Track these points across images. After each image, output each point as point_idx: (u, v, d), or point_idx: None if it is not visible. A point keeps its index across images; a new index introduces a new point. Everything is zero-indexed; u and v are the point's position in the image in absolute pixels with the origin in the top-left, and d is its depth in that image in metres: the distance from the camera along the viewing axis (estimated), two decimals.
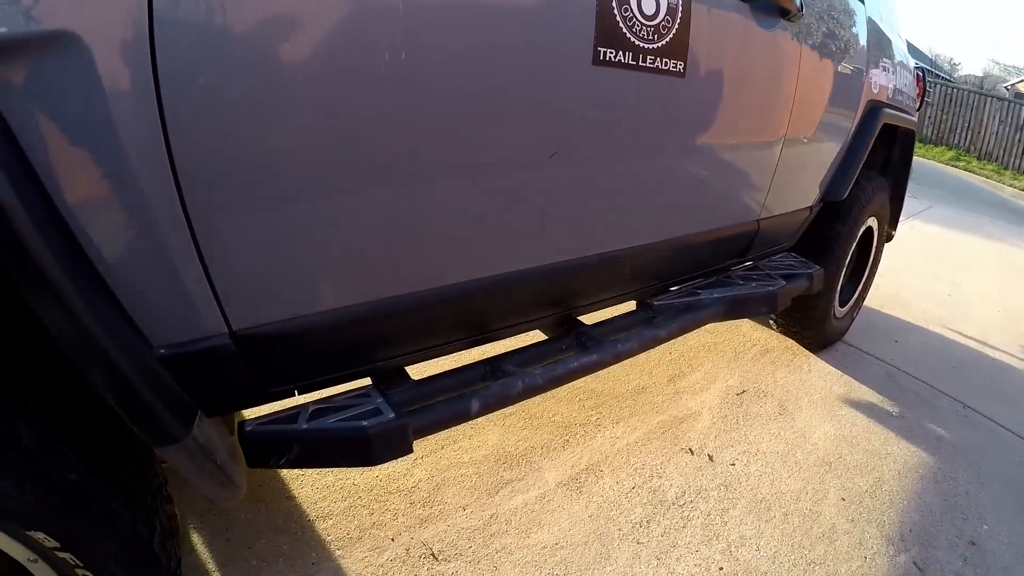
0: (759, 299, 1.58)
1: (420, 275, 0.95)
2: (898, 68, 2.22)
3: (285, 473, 1.58)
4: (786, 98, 1.53)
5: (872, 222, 2.43)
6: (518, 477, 1.66)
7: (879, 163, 2.57)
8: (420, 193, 0.87)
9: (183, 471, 0.74)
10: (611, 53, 0.98)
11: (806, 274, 1.77)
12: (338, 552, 1.34)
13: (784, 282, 1.66)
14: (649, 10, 1.00)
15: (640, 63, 1.03)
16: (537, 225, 1.07)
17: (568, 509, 1.56)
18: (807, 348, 2.52)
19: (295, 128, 0.73)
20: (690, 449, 1.91)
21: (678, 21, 1.07)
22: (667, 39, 1.05)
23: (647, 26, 1.01)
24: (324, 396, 1.01)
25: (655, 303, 1.53)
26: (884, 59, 2.07)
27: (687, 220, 1.45)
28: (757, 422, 2.05)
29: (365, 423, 0.87)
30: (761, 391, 2.23)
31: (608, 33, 0.96)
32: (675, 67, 1.09)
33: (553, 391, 1.71)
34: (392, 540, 1.38)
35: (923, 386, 2.44)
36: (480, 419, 1.76)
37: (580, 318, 1.42)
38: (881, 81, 2.05)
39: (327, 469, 1.57)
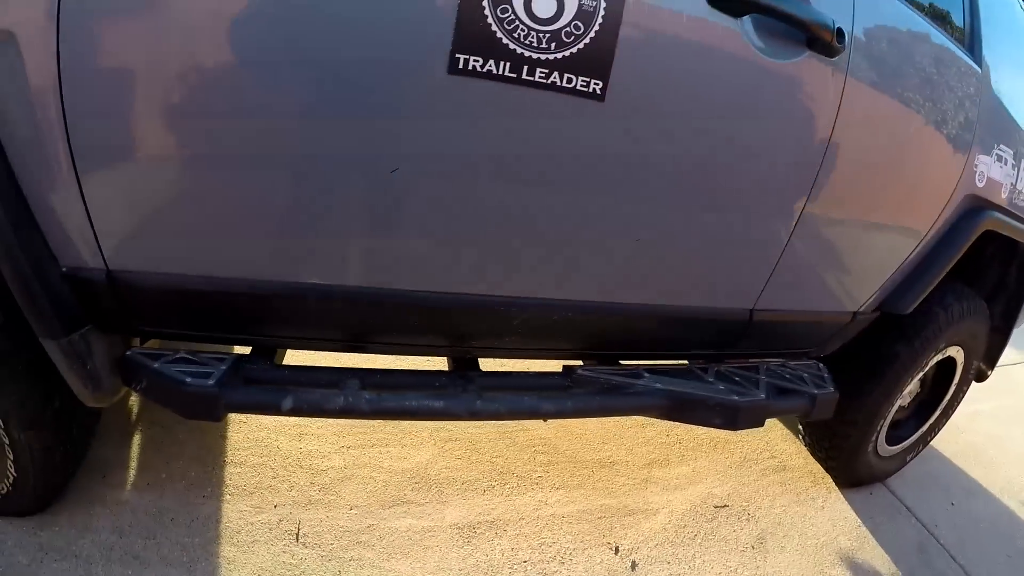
0: (712, 407, 1.24)
1: (289, 266, 0.96)
2: None
3: (235, 416, 1.70)
4: (807, 159, 1.17)
5: (956, 352, 1.90)
6: (420, 502, 1.59)
7: (989, 284, 2.02)
8: (275, 188, 0.89)
9: (58, 365, 0.92)
10: (476, 61, 0.81)
11: (807, 395, 1.40)
12: (227, 497, 1.44)
13: (763, 396, 1.32)
14: (544, 11, 0.80)
15: (525, 76, 0.84)
16: (405, 246, 1.00)
17: (444, 553, 1.45)
18: (834, 480, 2.05)
19: (158, 100, 0.80)
20: (616, 547, 1.62)
21: (596, 27, 0.84)
22: (575, 49, 0.83)
23: (540, 31, 0.81)
24: (220, 349, 1.13)
25: (578, 371, 1.28)
26: (1003, 147, 1.59)
27: (626, 284, 1.18)
28: (718, 548, 1.69)
29: (188, 380, 0.95)
30: (746, 513, 1.84)
31: (474, 37, 0.80)
32: (587, 87, 0.87)
33: (514, 434, 1.89)
34: (275, 507, 1.45)
35: (958, 572, 1.88)
36: (423, 433, 1.83)
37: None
38: (993, 174, 1.57)
39: (265, 427, 1.71)
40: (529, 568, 1.48)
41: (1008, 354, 4.39)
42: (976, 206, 1.60)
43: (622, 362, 1.40)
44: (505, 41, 0.81)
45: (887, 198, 1.37)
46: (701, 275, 1.25)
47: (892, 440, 1.99)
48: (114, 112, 0.80)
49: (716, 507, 1.82)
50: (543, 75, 0.84)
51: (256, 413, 1.07)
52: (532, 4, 0.80)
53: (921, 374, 1.86)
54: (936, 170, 1.45)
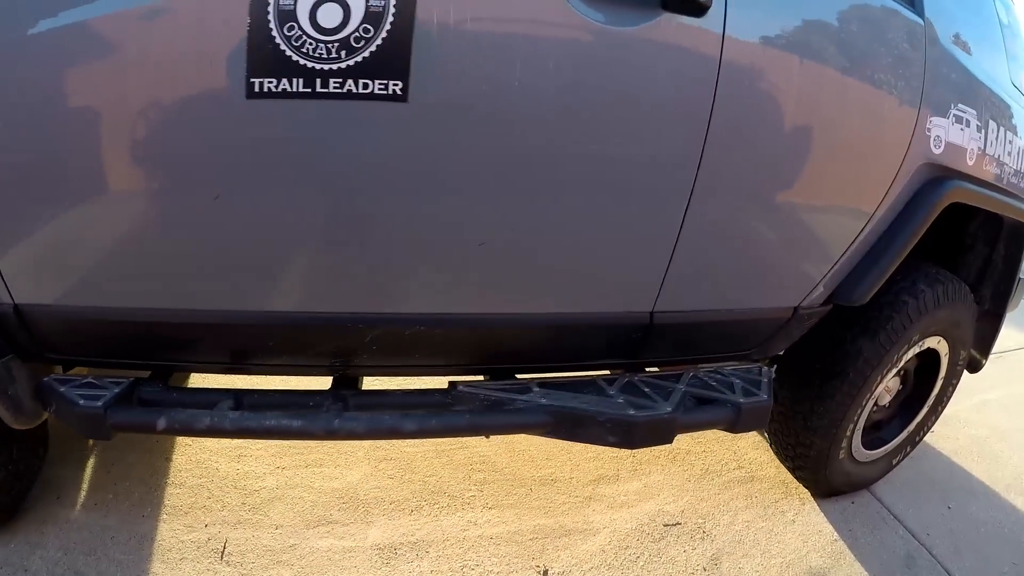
0: (603, 424, 1.10)
1: (167, 295, 1.00)
2: (999, 129, 1.47)
3: (181, 439, 1.77)
4: (683, 140, 1.01)
5: (937, 344, 1.67)
6: (345, 522, 1.55)
7: (975, 265, 1.77)
8: (146, 223, 0.93)
9: None
10: (271, 83, 0.80)
11: (731, 404, 1.22)
12: (164, 516, 1.50)
13: (669, 409, 1.16)
14: (330, 21, 0.78)
15: (319, 90, 0.81)
16: (251, 269, 0.99)
17: (359, 574, 1.41)
18: (808, 489, 1.85)
19: (36, 145, 0.84)
20: (545, 571, 1.48)
21: (387, 27, 0.80)
22: (366, 53, 0.80)
23: (327, 42, 0.79)
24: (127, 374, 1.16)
25: (459, 388, 1.16)
26: (963, 107, 1.36)
27: (483, 294, 1.08)
28: (663, 571, 1.52)
29: (80, 402, 1.02)
30: (701, 531, 1.67)
31: (265, 59, 0.80)
32: (385, 89, 0.82)
33: (452, 453, 1.84)
34: (205, 526, 1.48)
35: None
36: (359, 452, 1.80)
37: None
38: (953, 138, 1.35)
39: (208, 449, 1.76)
40: None
41: (1020, 337, 4.01)
42: (936, 176, 1.38)
43: (520, 376, 1.27)
44: (295, 58, 0.80)
45: (809, 177, 1.18)
46: (575, 279, 1.10)
47: (872, 443, 1.77)
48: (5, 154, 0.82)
49: (666, 525, 1.66)
50: (337, 85, 0.82)
51: (137, 432, 1.13)
52: (317, 15, 0.78)
53: (896, 370, 1.64)
54: (873, 139, 1.24)
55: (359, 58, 0.80)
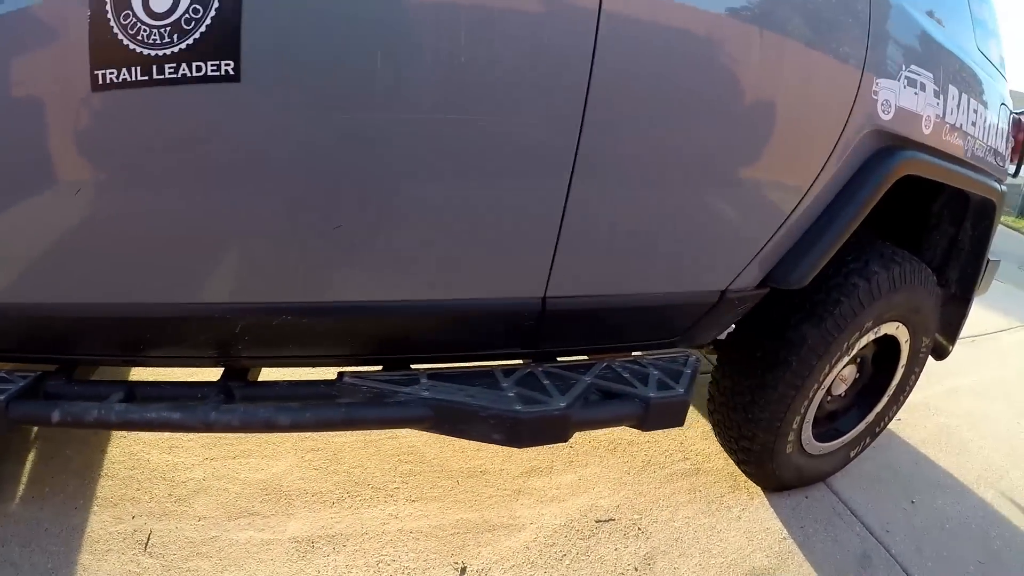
0: (486, 420, 1.00)
1: (47, 287, 0.97)
2: (962, 96, 1.30)
3: (116, 433, 1.76)
4: (560, 98, 0.89)
5: (895, 330, 1.53)
6: (266, 514, 1.52)
7: (941, 246, 1.61)
8: (11, 215, 0.88)
9: None
10: (112, 74, 0.80)
11: (639, 399, 1.11)
12: (95, 508, 1.50)
13: (563, 405, 1.05)
14: (161, 6, 0.78)
15: (156, 76, 0.79)
16: (122, 262, 0.96)
17: (276, 567, 1.38)
18: (757, 484, 1.74)
19: None
20: (463, 568, 1.41)
21: (215, 6, 0.78)
22: (197, 35, 0.79)
23: (160, 27, 0.78)
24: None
25: (346, 379, 1.07)
26: (917, 69, 1.20)
27: (349, 279, 1.01)
28: (589, 570, 1.43)
29: None
30: (636, 528, 1.57)
31: (106, 50, 0.78)
32: (218, 70, 0.80)
33: (380, 443, 1.80)
34: (132, 518, 1.48)
35: None
36: (287, 443, 1.77)
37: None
38: (906, 103, 1.19)
39: (142, 441, 1.76)
40: None
41: (994, 320, 3.79)
42: (887, 146, 1.23)
43: (416, 367, 1.17)
44: (132, 46, 0.78)
45: (723, 147, 1.05)
46: (450, 264, 1.00)
47: (826, 435, 1.65)
48: None
49: (598, 521, 1.56)
50: (172, 70, 0.80)
51: (35, 424, 1.21)
52: (150, 2, 0.77)
53: (849, 358, 1.51)
54: (805, 103, 1.10)
55: (190, 41, 0.78)
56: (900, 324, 1.52)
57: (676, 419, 1.13)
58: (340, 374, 1.11)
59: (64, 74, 0.80)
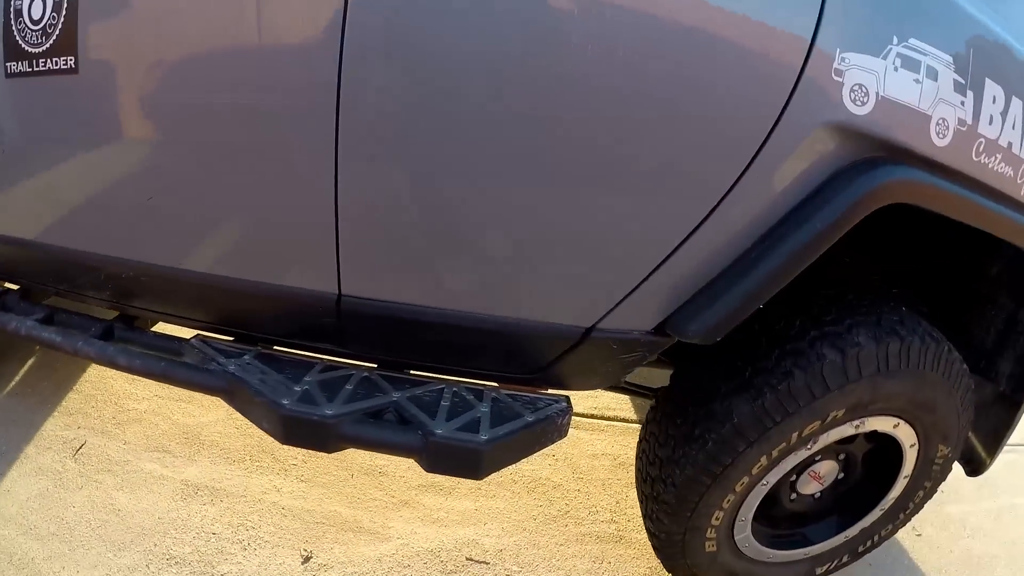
0: (260, 405, 0.92)
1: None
2: (1012, 101, 0.79)
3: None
4: (306, 64, 0.76)
5: (893, 428, 1.04)
6: (176, 454, 1.62)
7: (996, 326, 1.04)
8: None
9: None
10: (14, 65, 0.99)
11: (420, 431, 0.87)
12: (56, 414, 1.73)
13: (330, 412, 0.86)
14: (37, 13, 0.97)
15: (35, 68, 0.98)
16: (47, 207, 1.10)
17: (159, 501, 1.46)
18: None
19: None
20: (308, 556, 1.33)
21: (64, 15, 0.93)
22: (55, 36, 0.95)
23: (36, 30, 0.97)
24: None
25: (194, 341, 1.10)
26: (922, 47, 0.75)
27: (167, 245, 1.02)
28: None
29: None
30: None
31: (11, 46, 0.99)
32: (66, 64, 0.96)
33: None
34: (78, 428, 1.70)
35: None
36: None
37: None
38: (899, 94, 0.75)
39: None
40: (212, 541, 1.36)
41: None
42: (866, 157, 0.82)
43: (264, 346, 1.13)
44: (22, 44, 0.98)
45: (563, 135, 0.77)
46: (250, 244, 0.98)
47: (785, 541, 1.22)
48: None
49: (469, 559, 1.36)
50: (41, 64, 0.97)
51: None
52: (32, 10, 0.96)
53: (812, 452, 1.08)
54: (699, 83, 0.76)
55: (52, 41, 0.95)
56: (900, 422, 1.04)
57: (465, 469, 0.91)
58: (195, 336, 1.12)
59: None
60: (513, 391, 1.05)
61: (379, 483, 1.54)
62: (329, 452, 0.93)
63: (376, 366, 1.10)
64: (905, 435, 1.07)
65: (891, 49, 0.76)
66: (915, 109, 0.79)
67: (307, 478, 1.54)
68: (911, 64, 0.77)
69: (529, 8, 0.75)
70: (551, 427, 0.99)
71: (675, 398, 1.19)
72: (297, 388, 0.97)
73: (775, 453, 1.04)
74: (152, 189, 0.96)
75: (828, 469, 1.16)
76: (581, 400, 1.99)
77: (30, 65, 0.97)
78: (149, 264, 1.01)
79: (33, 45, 0.97)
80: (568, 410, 1.02)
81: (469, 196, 0.83)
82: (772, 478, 1.10)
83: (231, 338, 1.15)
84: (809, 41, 0.75)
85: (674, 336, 0.95)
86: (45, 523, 1.36)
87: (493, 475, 1.53)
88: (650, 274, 0.89)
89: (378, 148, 0.80)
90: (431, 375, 1.08)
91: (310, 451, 1.56)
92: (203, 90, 0.89)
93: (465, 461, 0.90)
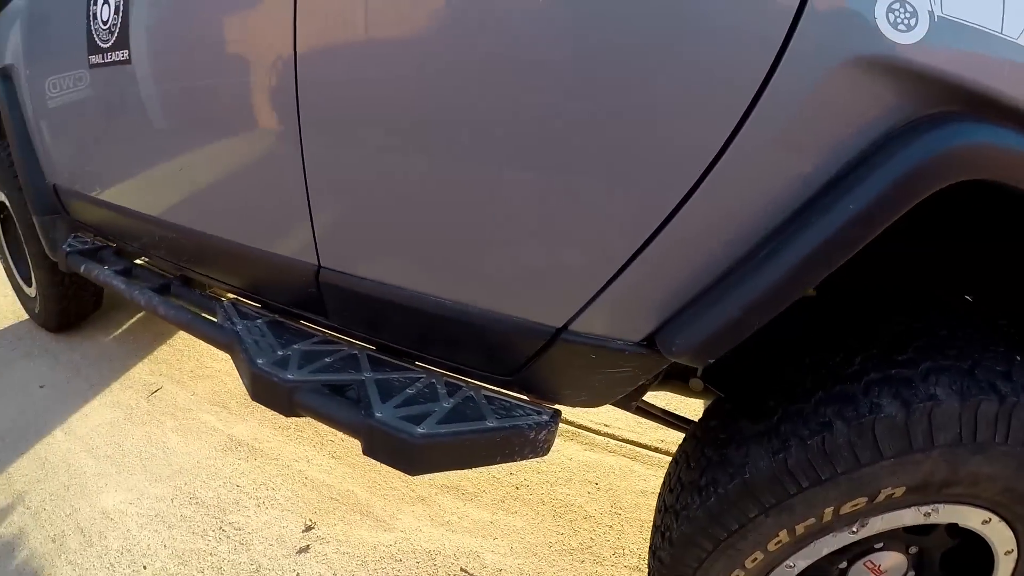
0: (242, 360, 0.99)
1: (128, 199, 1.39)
2: None
3: None
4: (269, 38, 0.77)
5: (984, 526, 0.70)
6: (233, 412, 1.80)
7: None
8: None
9: (38, 231, 1.75)
10: (95, 58, 1.27)
11: (364, 414, 0.81)
12: (146, 360, 2.08)
13: (291, 376, 0.89)
14: (106, 16, 1.21)
15: (105, 61, 1.24)
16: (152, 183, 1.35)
17: (204, 448, 1.62)
18: None
19: None
20: (310, 526, 1.36)
21: (121, 16, 1.17)
22: (117, 33, 1.19)
23: (105, 30, 1.22)
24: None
25: (225, 302, 1.23)
26: None
27: (186, 209, 1.20)
28: None
29: (64, 247, 1.60)
30: None
31: (92, 43, 1.27)
32: (122, 57, 1.19)
33: None
34: (160, 375, 2.01)
35: None
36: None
37: None
38: (968, 13, 0.51)
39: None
40: (234, 491, 1.48)
41: None
42: (928, 113, 0.59)
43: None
44: (98, 41, 1.24)
45: (496, 94, 0.68)
46: (239, 209, 1.09)
47: None
48: None
49: (463, 570, 1.27)
50: (109, 57, 1.23)
51: (74, 272, 1.58)
52: (101, 13, 1.22)
53: (860, 537, 0.81)
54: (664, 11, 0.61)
55: (114, 38, 1.19)
56: (993, 517, 0.73)
57: (398, 461, 0.84)
58: (228, 298, 1.27)
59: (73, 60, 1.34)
60: (495, 394, 0.96)
61: (402, 476, 1.52)
62: (288, 416, 0.93)
63: (375, 348, 1.08)
64: (999, 537, 0.74)
65: None
66: (997, 35, 0.54)
67: (338, 455, 1.58)
68: None
69: None
70: (518, 438, 0.87)
71: (699, 435, 0.99)
72: (280, 353, 0.99)
73: (800, 529, 0.80)
74: (181, 162, 1.11)
75: (893, 563, 0.86)
76: (650, 430, 1.78)
77: (102, 58, 1.24)
78: (174, 224, 1.15)
79: (104, 41, 1.23)
80: (549, 424, 0.89)
81: (423, 171, 0.77)
82: (800, 562, 0.84)
83: (259, 305, 1.23)
84: None
85: (666, 350, 0.78)
86: (105, 446, 1.57)
87: (521, 491, 1.46)
88: (622, 268, 0.73)
89: (335, 124, 0.79)
90: (423, 365, 1.03)
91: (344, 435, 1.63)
92: (204, 77, 1.04)
93: (398, 452, 0.83)
